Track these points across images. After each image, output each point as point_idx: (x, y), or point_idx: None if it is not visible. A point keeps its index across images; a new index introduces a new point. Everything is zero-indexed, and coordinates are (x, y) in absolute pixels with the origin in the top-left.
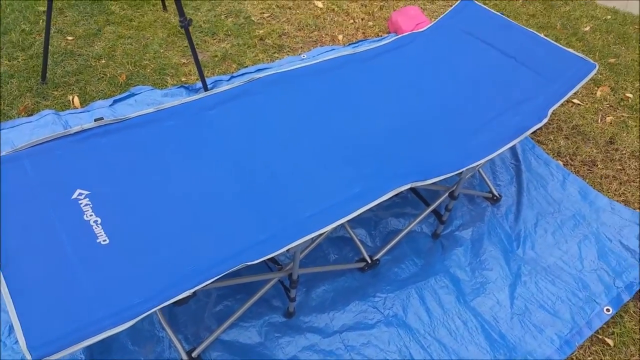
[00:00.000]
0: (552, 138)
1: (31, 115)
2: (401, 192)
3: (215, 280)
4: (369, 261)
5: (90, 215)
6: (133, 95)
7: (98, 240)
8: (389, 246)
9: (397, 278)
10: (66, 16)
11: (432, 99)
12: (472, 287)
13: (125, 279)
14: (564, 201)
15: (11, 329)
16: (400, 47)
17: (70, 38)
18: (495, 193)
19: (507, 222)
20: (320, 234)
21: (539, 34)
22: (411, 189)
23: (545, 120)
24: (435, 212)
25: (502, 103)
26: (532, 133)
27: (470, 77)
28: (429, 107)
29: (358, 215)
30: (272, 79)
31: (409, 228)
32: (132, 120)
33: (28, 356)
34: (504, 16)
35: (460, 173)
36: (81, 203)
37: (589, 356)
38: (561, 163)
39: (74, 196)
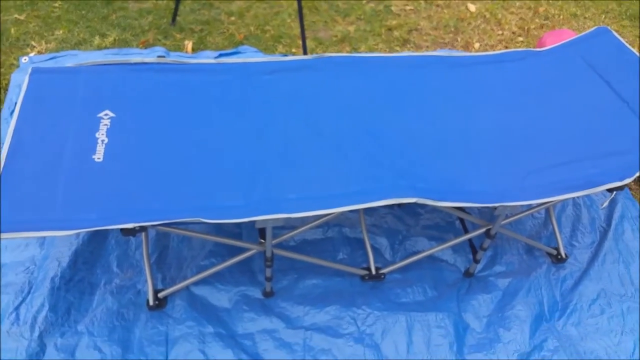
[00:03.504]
0: None
1: (146, 48)
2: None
3: (170, 223)
4: (373, 272)
5: (102, 135)
6: (238, 53)
7: (93, 156)
8: (400, 264)
9: (395, 299)
10: None
11: (503, 121)
12: (477, 340)
13: (92, 195)
14: None
15: None
16: (503, 61)
17: None
18: (562, 252)
19: (560, 288)
20: (296, 218)
21: None
22: (459, 217)
23: (627, 181)
24: (472, 247)
25: (586, 148)
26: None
27: (564, 109)
28: (493, 129)
29: (334, 213)
30: (342, 61)
31: (431, 251)
32: (190, 66)
33: None
34: None
35: (495, 209)
36: (102, 122)
37: None
38: None
39: (100, 114)
